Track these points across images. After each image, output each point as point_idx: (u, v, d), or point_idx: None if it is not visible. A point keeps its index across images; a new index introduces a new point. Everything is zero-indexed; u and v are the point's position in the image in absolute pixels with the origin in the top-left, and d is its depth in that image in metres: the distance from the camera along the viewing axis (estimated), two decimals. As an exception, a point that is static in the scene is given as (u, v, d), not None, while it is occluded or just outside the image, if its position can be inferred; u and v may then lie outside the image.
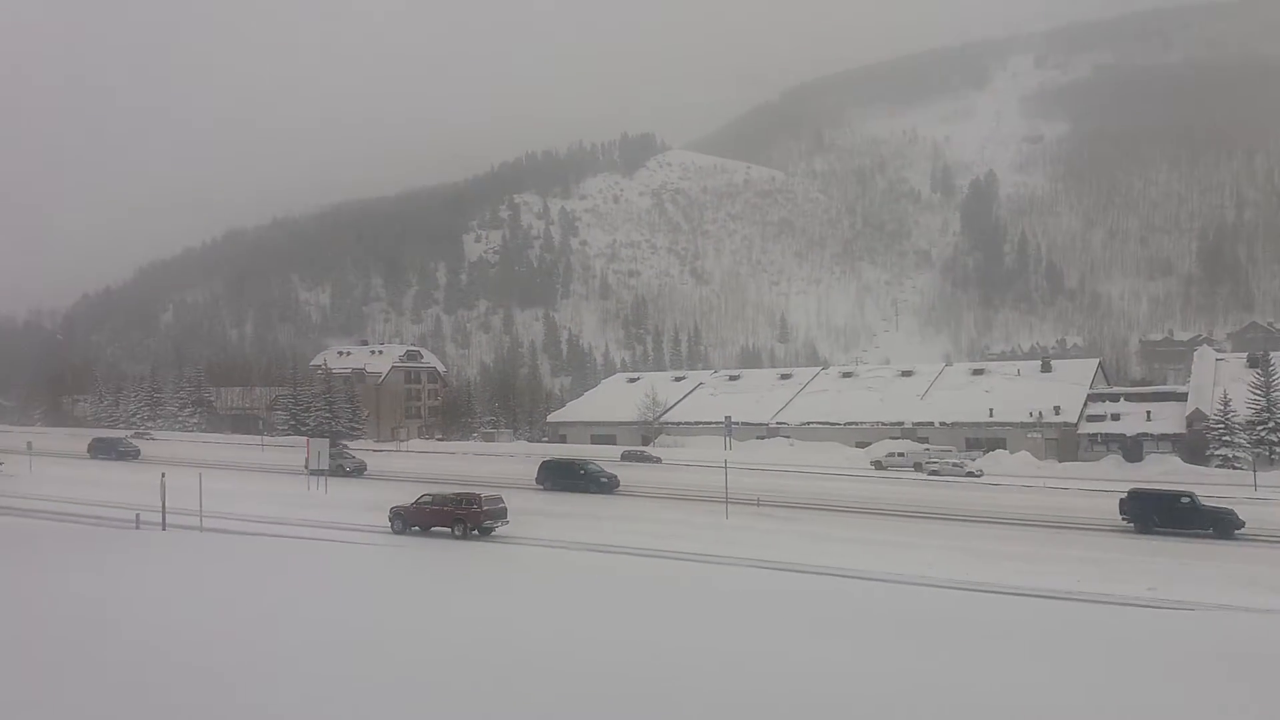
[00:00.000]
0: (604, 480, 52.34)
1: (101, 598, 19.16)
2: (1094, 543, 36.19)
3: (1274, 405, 66.86)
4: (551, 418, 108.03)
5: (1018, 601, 24.69)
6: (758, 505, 44.74)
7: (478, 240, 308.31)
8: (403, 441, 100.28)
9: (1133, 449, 71.79)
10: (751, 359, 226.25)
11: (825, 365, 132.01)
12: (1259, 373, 69.54)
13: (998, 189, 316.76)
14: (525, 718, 11.23)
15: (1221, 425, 67.30)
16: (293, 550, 30.52)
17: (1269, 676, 15.40)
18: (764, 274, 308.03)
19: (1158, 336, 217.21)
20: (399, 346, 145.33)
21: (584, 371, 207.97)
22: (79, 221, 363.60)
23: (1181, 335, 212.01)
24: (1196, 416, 71.03)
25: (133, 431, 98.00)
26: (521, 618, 18.32)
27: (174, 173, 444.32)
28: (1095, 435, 75.18)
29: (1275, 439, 66.26)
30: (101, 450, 73.64)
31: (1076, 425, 76.15)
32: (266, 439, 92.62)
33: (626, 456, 73.36)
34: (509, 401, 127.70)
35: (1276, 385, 67.37)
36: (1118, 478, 58.81)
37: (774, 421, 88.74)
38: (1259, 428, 66.62)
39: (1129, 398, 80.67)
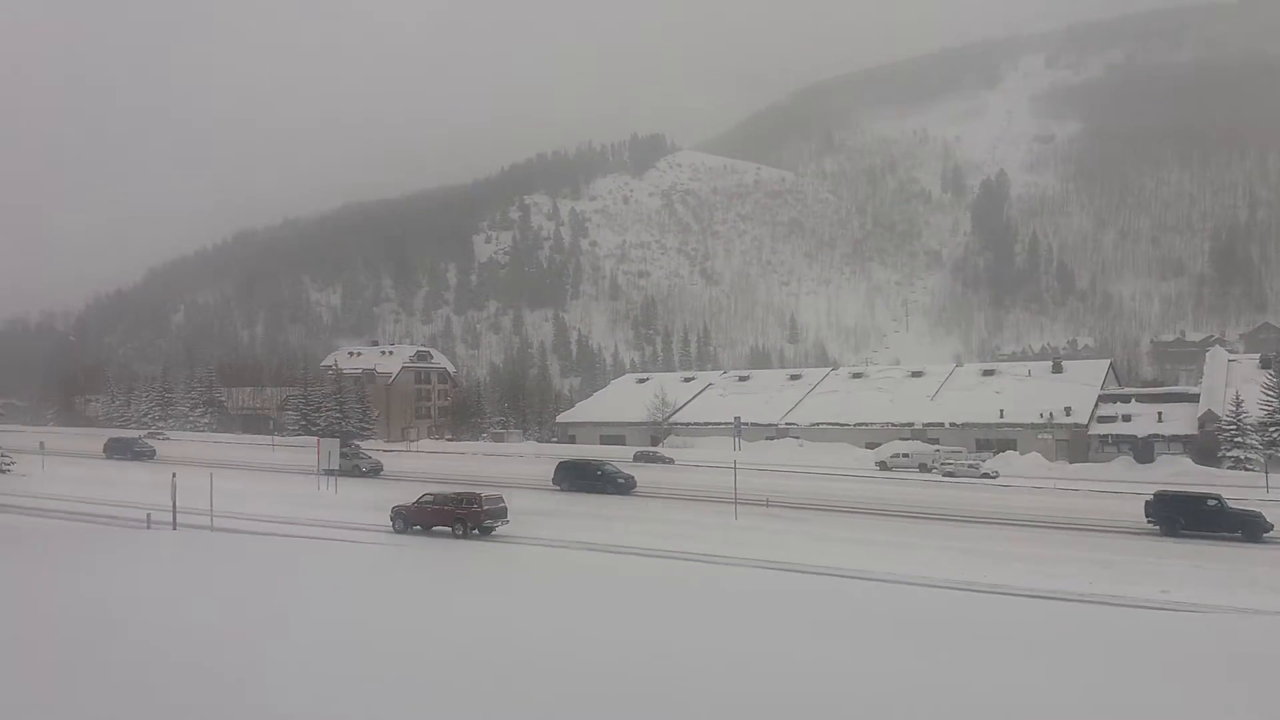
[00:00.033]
0: (621, 481, 51.92)
1: (110, 597, 19.26)
2: (1106, 544, 35.99)
3: (1287, 406, 66.37)
4: (561, 418, 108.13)
5: (1027, 603, 24.60)
6: (767, 506, 44.66)
7: (488, 241, 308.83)
8: (413, 442, 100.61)
9: (1144, 450, 71.41)
10: (761, 359, 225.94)
11: (835, 366, 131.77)
12: (1272, 374, 69.15)
13: (1009, 189, 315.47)
14: (526, 718, 11.25)
15: (1234, 426, 66.89)
16: (301, 550, 30.63)
17: (1269, 677, 15.30)
18: (774, 274, 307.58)
19: (1169, 337, 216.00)
20: (409, 347, 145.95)
21: (593, 372, 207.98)
22: (79, 222, 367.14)
23: (1193, 336, 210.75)
24: (1208, 418, 70.57)
25: (147, 431, 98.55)
26: (521, 617, 18.35)
27: (175, 173, 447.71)
28: (1106, 436, 74.86)
29: (1288, 440, 65.78)
30: (117, 450, 74.10)
31: (1087, 426, 75.83)
32: (277, 439, 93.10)
33: (639, 457, 73.24)
34: (518, 402, 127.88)
35: (1289, 386, 66.90)
36: (1129, 479, 58.59)
37: (783, 422, 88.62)
38: (1271, 429, 66.05)
39: (1140, 399, 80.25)
